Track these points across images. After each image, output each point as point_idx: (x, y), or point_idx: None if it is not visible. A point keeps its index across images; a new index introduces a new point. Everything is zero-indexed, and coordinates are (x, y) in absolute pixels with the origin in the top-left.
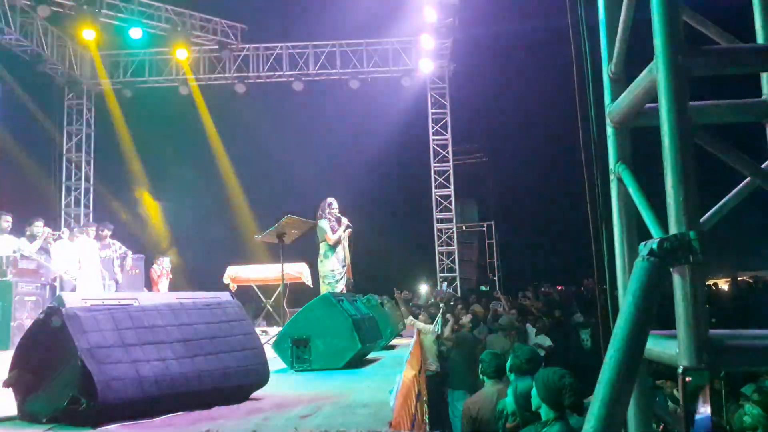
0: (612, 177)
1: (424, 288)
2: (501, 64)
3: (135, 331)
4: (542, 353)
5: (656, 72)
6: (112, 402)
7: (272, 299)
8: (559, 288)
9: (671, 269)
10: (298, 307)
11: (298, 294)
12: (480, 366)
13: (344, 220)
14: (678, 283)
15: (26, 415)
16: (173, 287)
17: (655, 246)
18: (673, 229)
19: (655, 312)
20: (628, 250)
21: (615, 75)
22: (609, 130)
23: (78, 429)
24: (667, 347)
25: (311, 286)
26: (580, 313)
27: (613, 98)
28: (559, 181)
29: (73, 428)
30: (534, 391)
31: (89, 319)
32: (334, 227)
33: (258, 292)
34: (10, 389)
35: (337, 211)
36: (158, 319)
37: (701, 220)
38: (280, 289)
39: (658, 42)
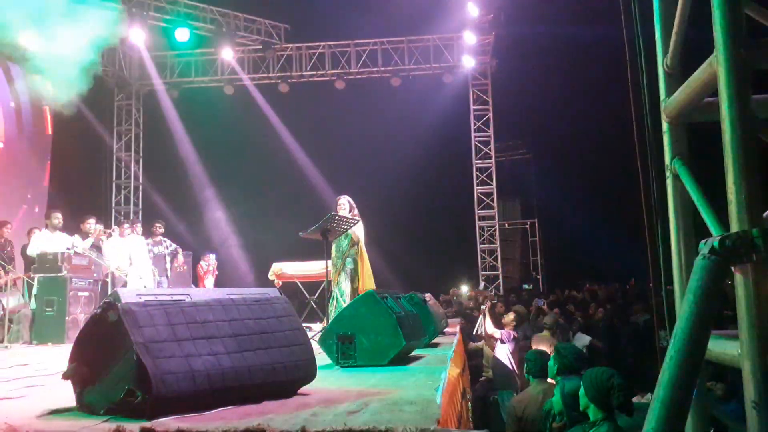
0: (668, 173)
1: (464, 288)
2: (545, 58)
3: (187, 326)
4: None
5: (716, 65)
6: (165, 395)
7: (316, 295)
8: (596, 287)
9: (732, 268)
10: None
11: None
12: (525, 365)
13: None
14: (740, 282)
15: (84, 406)
16: (219, 283)
17: (716, 244)
18: (734, 227)
19: (716, 312)
20: (685, 248)
21: (670, 69)
22: (664, 126)
23: (133, 421)
24: (728, 348)
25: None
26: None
27: (669, 93)
28: (606, 178)
29: (128, 420)
30: (582, 391)
31: (144, 314)
32: None
33: (302, 288)
34: (69, 381)
35: (343, 208)
36: (209, 315)
37: (764, 215)
38: (323, 285)
39: (718, 34)
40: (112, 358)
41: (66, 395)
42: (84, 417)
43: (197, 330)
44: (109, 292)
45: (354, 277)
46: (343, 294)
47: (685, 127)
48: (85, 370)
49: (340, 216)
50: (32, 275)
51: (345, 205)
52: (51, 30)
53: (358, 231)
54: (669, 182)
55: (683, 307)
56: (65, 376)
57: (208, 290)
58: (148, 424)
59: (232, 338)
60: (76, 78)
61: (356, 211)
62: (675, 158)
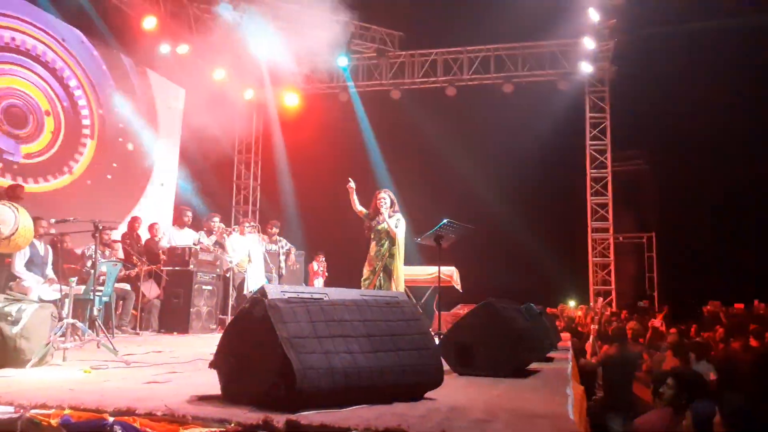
0: None
1: (572, 303)
2: (668, 65)
3: (326, 324)
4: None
5: None
6: (307, 390)
7: (422, 300)
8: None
9: None
10: (446, 310)
11: (446, 297)
12: (653, 387)
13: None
14: None
15: (228, 396)
16: (328, 283)
17: None
18: None
19: None
20: None
21: None
22: None
23: (275, 413)
24: None
25: (461, 291)
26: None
27: None
28: (734, 193)
29: (270, 412)
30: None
31: (288, 310)
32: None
33: (409, 292)
34: (215, 371)
35: (382, 203)
36: (346, 314)
37: None
38: (430, 290)
39: None
40: (257, 351)
41: (206, 383)
42: (228, 405)
43: (335, 328)
44: (231, 288)
45: (391, 278)
46: None
47: None
48: (232, 361)
49: (455, 222)
50: (162, 267)
51: (386, 199)
52: None
53: (400, 231)
54: None
55: None
56: (212, 365)
57: (342, 290)
58: (293, 417)
59: (366, 338)
60: None
61: (396, 207)
62: None
